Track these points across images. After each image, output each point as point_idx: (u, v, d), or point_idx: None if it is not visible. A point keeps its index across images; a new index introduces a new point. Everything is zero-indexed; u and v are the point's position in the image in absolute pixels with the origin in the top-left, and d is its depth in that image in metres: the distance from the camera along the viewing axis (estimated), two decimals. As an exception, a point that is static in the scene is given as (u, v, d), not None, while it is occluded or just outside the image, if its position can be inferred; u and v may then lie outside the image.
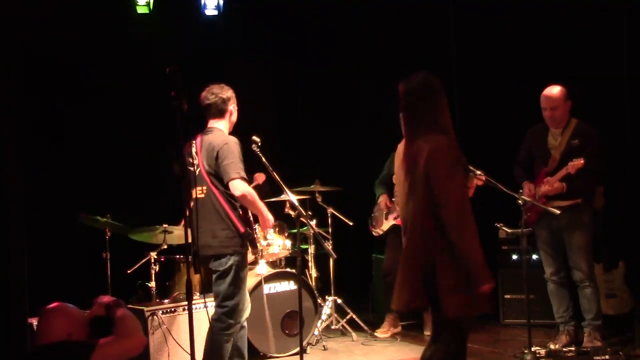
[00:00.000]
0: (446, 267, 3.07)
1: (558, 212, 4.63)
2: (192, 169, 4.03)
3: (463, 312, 3.10)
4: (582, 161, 4.64)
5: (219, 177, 3.97)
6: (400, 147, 3.36)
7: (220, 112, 4.14)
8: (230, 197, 3.98)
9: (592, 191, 4.98)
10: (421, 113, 3.19)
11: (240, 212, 4.05)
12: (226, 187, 3.95)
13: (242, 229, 3.99)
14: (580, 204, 4.87)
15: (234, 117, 4.23)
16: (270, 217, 4.15)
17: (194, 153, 4.04)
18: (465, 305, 3.08)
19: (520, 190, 4.39)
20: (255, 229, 4.28)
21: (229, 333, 4.02)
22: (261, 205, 4.07)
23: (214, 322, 4.03)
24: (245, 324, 4.23)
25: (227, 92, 4.16)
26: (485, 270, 3.07)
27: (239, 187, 3.89)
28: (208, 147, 3.97)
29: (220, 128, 4.14)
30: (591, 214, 4.95)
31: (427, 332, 5.51)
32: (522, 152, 5.22)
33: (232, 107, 4.18)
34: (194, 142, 4.04)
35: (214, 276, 4.05)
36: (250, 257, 5.27)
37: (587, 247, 4.90)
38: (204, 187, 4.00)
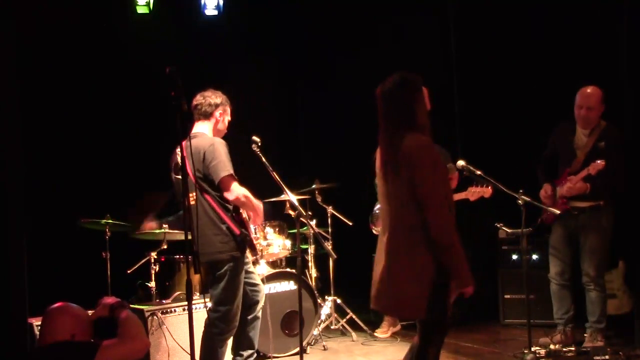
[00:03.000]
0: (430, 266, 3.04)
1: (558, 212, 4.71)
2: (179, 177, 3.97)
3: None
4: (603, 162, 4.61)
5: (208, 180, 3.92)
6: (378, 153, 3.32)
7: (204, 115, 4.13)
8: (221, 199, 3.93)
9: (614, 194, 4.87)
10: (399, 114, 3.15)
11: (233, 214, 3.99)
12: (217, 189, 3.90)
13: (237, 232, 3.94)
14: (602, 207, 4.83)
15: (221, 126, 4.19)
16: (261, 213, 4.09)
17: (179, 160, 3.99)
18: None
19: (521, 190, 4.39)
20: (251, 229, 4.24)
21: (223, 338, 4.00)
22: (255, 204, 4.03)
23: (208, 327, 3.99)
24: (259, 314, 4.25)
25: (217, 99, 4.15)
26: (468, 270, 3.05)
27: (234, 189, 3.85)
28: (194, 151, 3.88)
29: (205, 132, 4.11)
30: (612, 219, 4.88)
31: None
32: (549, 150, 5.18)
33: (218, 113, 4.15)
34: (177, 149, 3.92)
35: (210, 279, 4.02)
36: (250, 257, 5.29)
37: (599, 252, 4.86)
38: (194, 194, 3.90)
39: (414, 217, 3.04)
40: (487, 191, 4.79)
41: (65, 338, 2.68)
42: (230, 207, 3.96)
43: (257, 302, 4.23)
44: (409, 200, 3.06)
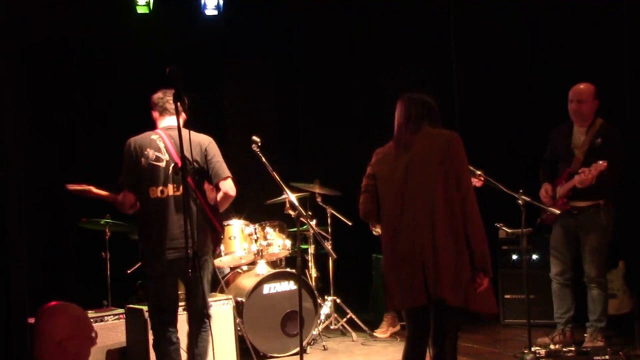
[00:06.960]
0: (467, 259, 3.16)
1: (558, 212, 4.73)
2: (159, 164, 3.85)
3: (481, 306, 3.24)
4: (605, 163, 4.58)
5: (203, 175, 3.85)
6: (388, 148, 3.48)
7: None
8: (205, 195, 3.90)
9: (612, 192, 4.86)
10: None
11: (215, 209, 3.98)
12: (205, 184, 3.89)
13: (219, 228, 3.97)
14: (601, 206, 4.83)
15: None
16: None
17: (162, 148, 3.88)
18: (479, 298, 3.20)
19: (521, 190, 4.39)
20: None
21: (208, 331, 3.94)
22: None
23: (203, 333, 3.88)
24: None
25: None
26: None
27: (233, 188, 3.86)
28: (193, 144, 3.61)
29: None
30: (611, 217, 4.87)
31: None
32: (548, 151, 5.18)
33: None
34: (153, 136, 3.92)
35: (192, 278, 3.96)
36: (249, 257, 5.29)
37: (599, 250, 4.85)
38: (173, 185, 3.79)
39: (458, 207, 3.18)
40: (477, 182, 4.78)
41: (60, 338, 2.64)
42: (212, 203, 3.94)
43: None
44: (450, 190, 3.20)
